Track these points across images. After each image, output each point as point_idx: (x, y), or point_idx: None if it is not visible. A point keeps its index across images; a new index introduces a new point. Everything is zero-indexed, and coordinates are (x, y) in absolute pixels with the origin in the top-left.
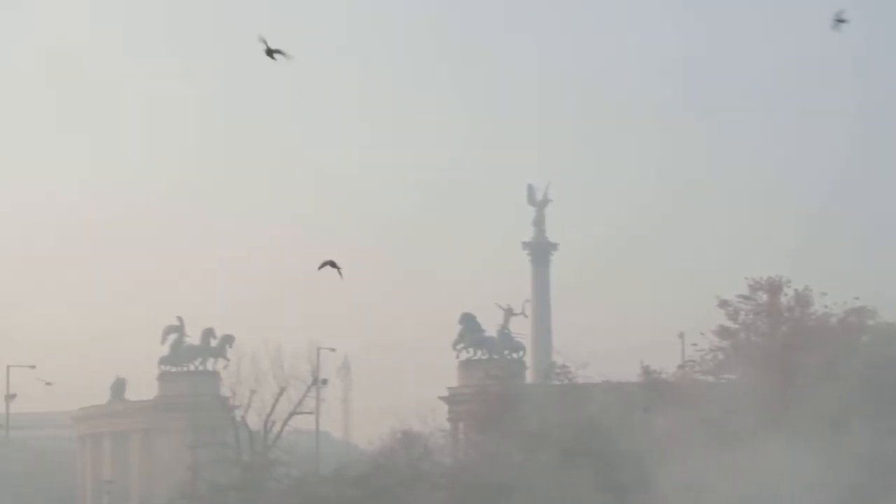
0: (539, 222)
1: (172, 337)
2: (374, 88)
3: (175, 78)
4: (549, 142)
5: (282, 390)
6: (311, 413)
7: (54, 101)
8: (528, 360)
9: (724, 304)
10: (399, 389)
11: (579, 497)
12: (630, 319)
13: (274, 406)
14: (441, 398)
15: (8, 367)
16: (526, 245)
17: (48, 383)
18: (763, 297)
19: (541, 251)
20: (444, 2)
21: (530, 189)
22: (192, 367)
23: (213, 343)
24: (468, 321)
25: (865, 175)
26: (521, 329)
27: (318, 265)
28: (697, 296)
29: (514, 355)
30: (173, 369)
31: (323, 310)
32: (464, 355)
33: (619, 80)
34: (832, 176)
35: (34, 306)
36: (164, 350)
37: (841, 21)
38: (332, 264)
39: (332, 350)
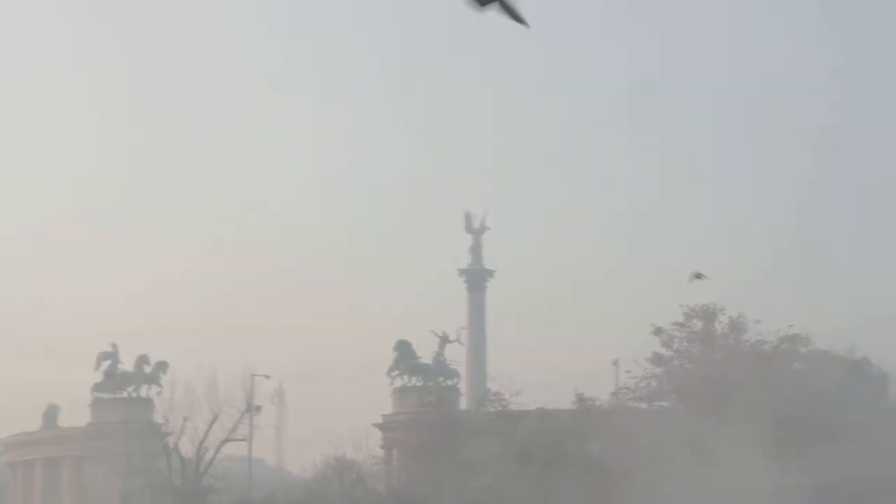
0: (476, 250)
1: (106, 363)
2: (313, 113)
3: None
4: (488, 169)
5: (215, 417)
6: (244, 440)
7: None
8: (463, 386)
9: (658, 331)
10: (333, 416)
11: None
12: (565, 346)
13: (207, 433)
14: (375, 425)
15: None
16: (462, 272)
17: None
18: (697, 324)
19: (477, 278)
20: (386, 24)
21: (467, 217)
22: (125, 394)
23: (147, 369)
24: (403, 348)
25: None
26: (457, 356)
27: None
28: (633, 324)
29: (449, 382)
30: (106, 396)
31: (257, 336)
32: (398, 382)
33: (563, 105)
34: (781, 204)
35: None
36: (98, 376)
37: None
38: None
39: (267, 377)
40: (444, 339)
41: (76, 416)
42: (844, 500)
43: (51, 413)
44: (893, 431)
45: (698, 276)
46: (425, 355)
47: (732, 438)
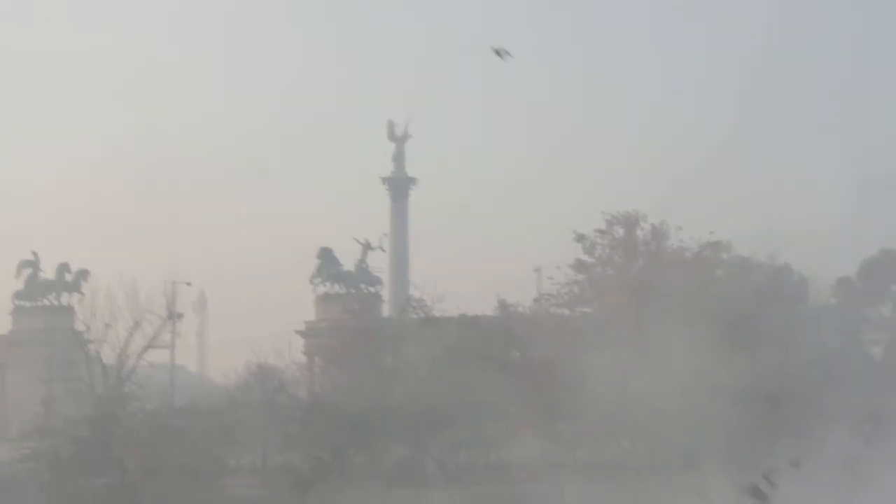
0: (398, 157)
1: (27, 272)
2: (223, 18)
3: None
4: (411, 76)
5: (136, 324)
6: (166, 347)
7: None
8: (386, 294)
9: (580, 238)
10: (255, 323)
11: (435, 428)
12: (488, 254)
13: (128, 340)
14: (298, 332)
15: None
16: (385, 180)
17: None
18: (619, 231)
19: (400, 186)
20: None
21: (390, 124)
22: (46, 302)
23: (68, 278)
24: (326, 255)
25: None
26: (379, 264)
27: None
28: (555, 231)
29: (372, 289)
30: (27, 304)
31: (179, 243)
32: (321, 289)
33: (486, 8)
34: (709, 113)
35: None
36: (19, 285)
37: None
38: None
39: (188, 284)
40: (367, 247)
41: None
42: (766, 400)
43: None
44: (814, 334)
45: (500, 52)
46: (348, 263)
47: (654, 342)
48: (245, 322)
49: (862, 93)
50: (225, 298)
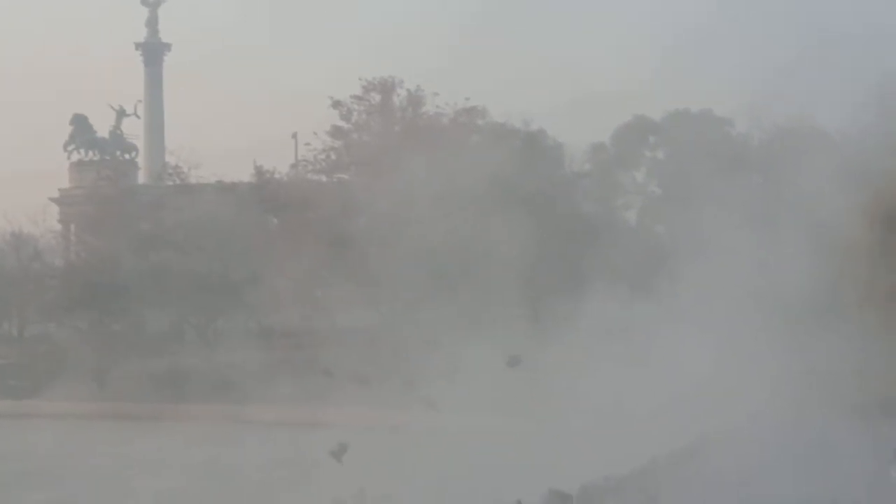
0: (152, 23)
1: None
2: None
3: None
4: None
5: None
6: None
7: None
8: (141, 160)
9: (337, 104)
10: (8, 191)
11: (194, 295)
12: (243, 119)
13: None
14: (52, 199)
15: None
16: (139, 45)
17: None
18: (376, 97)
19: (153, 52)
20: None
21: None
22: None
23: None
24: (79, 122)
25: None
26: (134, 130)
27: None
28: (312, 97)
29: (127, 156)
30: None
31: None
32: (75, 156)
33: None
34: None
35: None
36: None
37: None
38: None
39: None
40: (121, 113)
41: None
42: (523, 264)
43: None
44: (568, 200)
45: None
46: (102, 129)
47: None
48: None
49: None
50: None
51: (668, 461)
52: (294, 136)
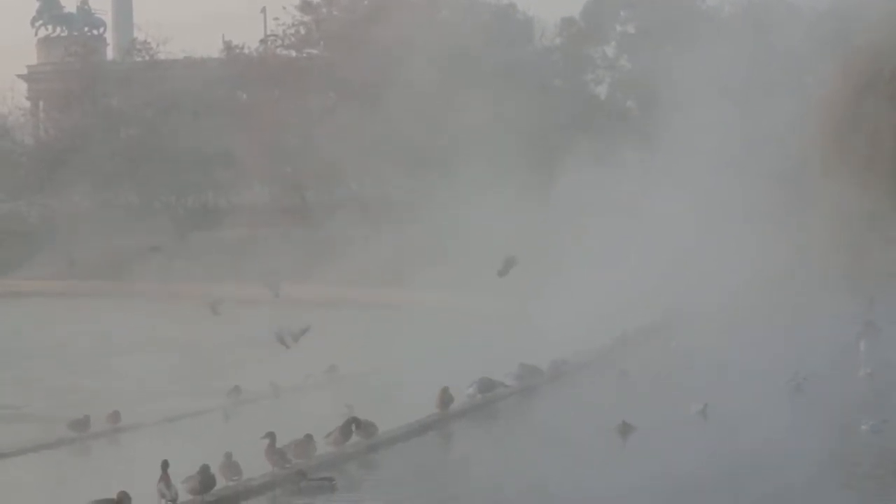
0: None
1: None
2: None
3: None
4: None
5: None
6: None
7: None
8: (110, 36)
9: None
10: None
11: (163, 172)
12: None
13: None
14: (20, 76)
15: None
16: None
17: None
18: None
19: None
20: None
21: None
22: None
23: None
24: None
25: None
26: (102, 5)
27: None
28: None
29: (95, 32)
30: None
31: None
32: (42, 32)
33: None
34: None
35: None
36: None
37: None
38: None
39: None
40: None
41: None
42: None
43: None
44: (538, 73)
45: None
46: (69, 4)
47: (377, 85)
48: None
49: None
50: None
51: (638, 335)
52: (263, 10)
